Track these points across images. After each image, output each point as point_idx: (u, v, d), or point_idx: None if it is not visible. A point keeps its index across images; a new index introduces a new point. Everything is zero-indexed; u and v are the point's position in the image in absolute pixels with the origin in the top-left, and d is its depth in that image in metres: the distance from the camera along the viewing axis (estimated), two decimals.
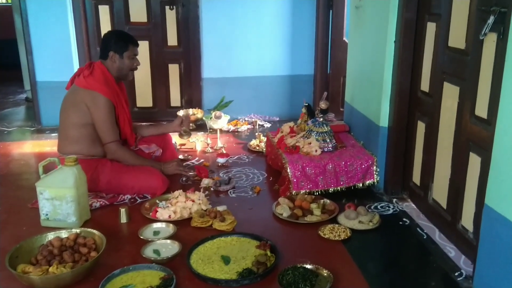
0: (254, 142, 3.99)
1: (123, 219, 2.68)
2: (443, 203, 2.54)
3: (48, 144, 4.12)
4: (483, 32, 1.95)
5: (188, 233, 2.54)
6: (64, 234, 2.33)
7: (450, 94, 2.40)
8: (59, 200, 2.56)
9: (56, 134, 3.63)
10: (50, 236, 2.31)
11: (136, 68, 3.09)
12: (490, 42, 1.98)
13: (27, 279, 2.00)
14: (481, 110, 2.10)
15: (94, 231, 2.34)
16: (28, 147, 4.14)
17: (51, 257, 2.15)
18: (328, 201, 2.86)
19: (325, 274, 2.07)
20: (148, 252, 2.30)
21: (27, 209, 2.85)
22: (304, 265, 2.12)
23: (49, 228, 2.54)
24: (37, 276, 1.99)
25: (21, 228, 2.63)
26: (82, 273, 2.08)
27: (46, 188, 2.56)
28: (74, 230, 2.35)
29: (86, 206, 2.69)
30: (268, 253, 2.26)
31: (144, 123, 4.62)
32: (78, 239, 2.28)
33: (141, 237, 2.45)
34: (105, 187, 2.96)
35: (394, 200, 2.98)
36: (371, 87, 3.18)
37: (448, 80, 2.42)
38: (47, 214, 2.60)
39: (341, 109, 4.44)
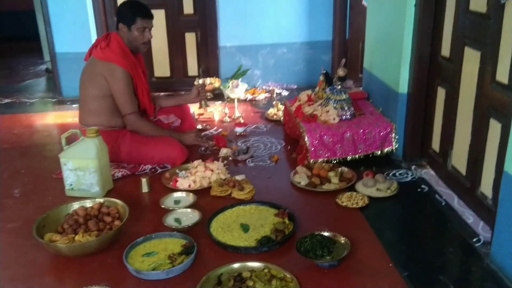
0: (271, 111, 3.99)
1: (145, 188, 2.74)
2: (463, 170, 2.52)
3: (70, 115, 4.19)
4: None
5: (207, 202, 2.59)
6: (88, 203, 2.40)
7: (471, 59, 2.35)
8: (82, 170, 2.62)
9: (77, 105, 3.70)
10: (75, 205, 2.38)
11: (146, 42, 3.01)
12: (511, 7, 1.92)
13: (54, 248, 2.08)
14: (502, 75, 2.06)
15: (117, 200, 2.40)
16: (50, 118, 4.21)
17: (77, 226, 2.23)
18: (346, 169, 2.87)
19: (342, 241, 2.10)
20: (170, 220, 2.36)
21: (52, 179, 2.93)
22: (322, 233, 2.15)
23: (73, 197, 2.62)
24: (64, 244, 2.07)
25: (47, 198, 2.72)
26: (106, 241, 2.15)
27: (69, 159, 2.63)
28: (98, 200, 2.42)
29: (108, 176, 2.76)
30: (286, 221, 2.30)
31: (162, 94, 4.66)
32: (102, 209, 2.35)
33: (162, 206, 2.51)
34: (126, 157, 3.01)
35: (413, 167, 2.97)
36: (390, 53, 3.12)
37: (469, 44, 2.37)
38: (71, 184, 2.68)
39: (360, 76, 4.37)
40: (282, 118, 3.77)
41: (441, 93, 2.72)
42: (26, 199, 2.72)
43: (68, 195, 2.68)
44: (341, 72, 3.17)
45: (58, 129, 3.90)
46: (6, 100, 4.77)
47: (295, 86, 4.87)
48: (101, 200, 2.42)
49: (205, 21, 4.73)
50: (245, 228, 2.28)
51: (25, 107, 4.57)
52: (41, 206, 2.60)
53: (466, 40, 2.39)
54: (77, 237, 2.12)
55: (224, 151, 3.19)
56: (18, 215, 2.54)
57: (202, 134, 3.55)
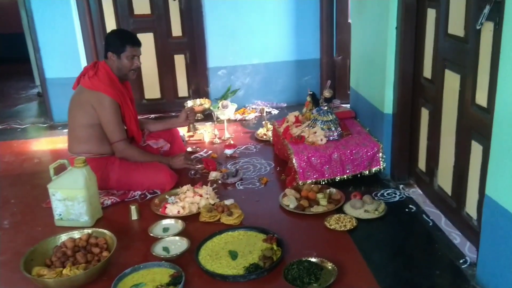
0: (261, 131, 4.01)
1: (134, 216, 2.74)
2: (448, 190, 2.55)
3: (61, 141, 4.18)
4: (479, 22, 1.93)
5: (196, 228, 2.60)
6: (76, 235, 2.40)
7: (452, 82, 2.38)
8: (71, 200, 2.63)
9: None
10: (63, 237, 2.39)
11: (135, 69, 3.06)
12: (487, 31, 1.96)
13: (41, 282, 2.08)
14: (481, 98, 2.09)
15: (105, 231, 2.41)
16: (41, 144, 4.22)
17: (65, 259, 2.23)
18: (334, 190, 2.89)
19: (330, 267, 2.11)
20: (158, 249, 2.37)
21: (41, 208, 2.93)
22: (309, 259, 2.16)
23: (63, 227, 2.62)
24: (52, 278, 2.07)
25: (36, 228, 2.72)
26: (95, 273, 2.15)
27: (58, 189, 2.64)
28: (86, 231, 2.42)
29: (97, 205, 2.77)
30: (275, 247, 2.30)
31: (152, 117, 4.69)
32: (90, 240, 2.36)
33: (151, 235, 2.51)
34: (116, 184, 3.02)
35: (401, 186, 2.99)
36: (375, 73, 3.16)
37: (449, 67, 2.41)
38: (60, 214, 2.68)
39: (348, 92, 4.41)
40: (271, 139, 3.79)
41: (424, 114, 2.75)
42: (15, 230, 2.72)
43: (57, 225, 2.68)
44: (327, 93, 3.21)
45: (49, 156, 3.91)
46: None
47: (285, 105, 4.90)
48: (89, 231, 2.42)
49: (193, 43, 4.77)
50: (233, 255, 2.29)
51: (16, 133, 4.57)
52: (31, 237, 2.61)
53: (446, 63, 2.43)
54: (64, 271, 2.12)
55: (213, 175, 3.21)
56: (6, 247, 2.54)
57: (192, 156, 3.57)
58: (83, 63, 4.59)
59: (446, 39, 2.41)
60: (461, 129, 2.34)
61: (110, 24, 4.65)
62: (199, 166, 3.32)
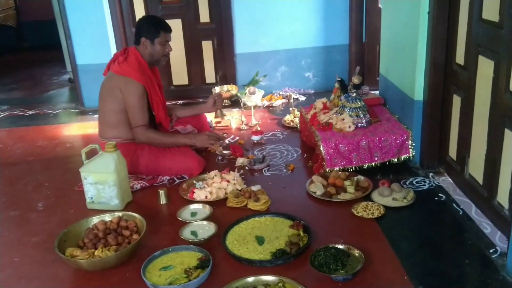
0: (288, 118, 4.00)
1: (162, 200, 2.79)
2: (479, 179, 2.50)
3: (92, 126, 4.27)
4: None
5: (223, 213, 2.63)
6: (107, 217, 2.46)
7: (485, 68, 2.32)
8: (102, 184, 2.69)
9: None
10: (95, 220, 2.45)
11: (167, 55, 3.11)
12: None
13: (75, 263, 2.15)
14: None
15: (135, 214, 2.46)
16: (73, 129, 4.32)
17: (97, 240, 2.30)
18: (362, 177, 2.87)
19: (357, 255, 2.11)
20: (186, 233, 2.41)
21: (74, 192, 3.01)
22: (336, 246, 2.16)
23: (94, 210, 2.69)
24: (84, 259, 2.14)
25: (69, 211, 2.80)
26: (125, 255, 2.21)
27: (89, 173, 2.70)
28: (117, 214, 2.48)
29: (127, 189, 2.82)
30: (301, 233, 2.31)
31: (179, 103, 4.73)
32: (121, 222, 2.42)
33: (179, 219, 2.55)
34: (145, 169, 3.08)
35: (431, 174, 2.95)
36: (405, 60, 3.10)
37: (482, 53, 2.34)
38: (92, 198, 2.75)
39: (378, 79, 4.34)
40: (298, 125, 3.78)
41: (456, 101, 2.69)
42: (49, 213, 2.81)
43: (89, 208, 2.76)
44: (356, 80, 3.17)
45: (81, 141, 4.00)
46: (31, 112, 4.90)
47: (312, 91, 4.87)
48: (120, 214, 2.48)
49: (221, 29, 4.77)
50: (260, 240, 2.31)
51: (49, 118, 4.68)
52: (64, 219, 2.69)
53: (480, 49, 2.36)
54: (96, 252, 2.18)
55: (240, 161, 3.23)
56: (41, 228, 2.63)
57: (219, 142, 3.58)
58: (113, 49, 4.65)
59: (480, 24, 2.34)
60: (494, 116, 2.28)
61: (139, 11, 4.69)
62: (227, 152, 3.34)
